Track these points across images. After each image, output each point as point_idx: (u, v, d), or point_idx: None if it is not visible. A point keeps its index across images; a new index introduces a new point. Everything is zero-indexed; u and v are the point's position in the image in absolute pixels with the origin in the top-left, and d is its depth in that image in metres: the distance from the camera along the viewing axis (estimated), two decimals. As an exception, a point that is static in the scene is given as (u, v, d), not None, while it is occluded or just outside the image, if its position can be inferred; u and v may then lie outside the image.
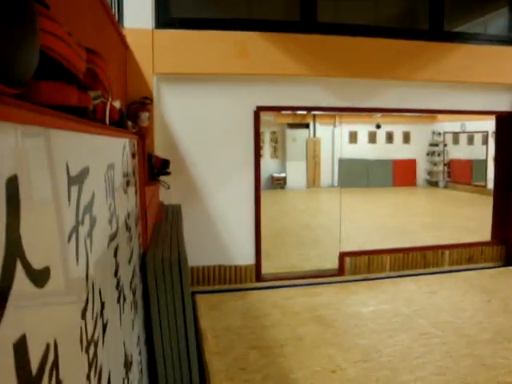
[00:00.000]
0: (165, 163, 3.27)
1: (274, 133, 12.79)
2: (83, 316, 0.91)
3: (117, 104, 1.50)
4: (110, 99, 1.36)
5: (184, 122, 4.00)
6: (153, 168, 2.76)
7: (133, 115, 3.39)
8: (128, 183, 1.81)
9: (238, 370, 2.77)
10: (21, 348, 0.57)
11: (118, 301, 1.40)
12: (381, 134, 13.07)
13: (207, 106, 4.04)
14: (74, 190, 0.90)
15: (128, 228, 1.75)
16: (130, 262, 1.75)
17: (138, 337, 1.92)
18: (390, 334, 3.19)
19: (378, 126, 12.67)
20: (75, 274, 0.88)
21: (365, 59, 4.06)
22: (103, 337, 1.11)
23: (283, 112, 10.01)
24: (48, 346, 0.68)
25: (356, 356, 2.89)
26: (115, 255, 1.38)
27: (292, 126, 12.65)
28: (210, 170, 4.10)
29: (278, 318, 3.57)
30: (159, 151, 3.67)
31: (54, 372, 0.70)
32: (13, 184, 0.56)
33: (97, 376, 1.01)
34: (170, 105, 3.95)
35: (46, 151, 0.75)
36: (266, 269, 4.46)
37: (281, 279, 4.42)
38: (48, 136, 0.76)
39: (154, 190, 2.93)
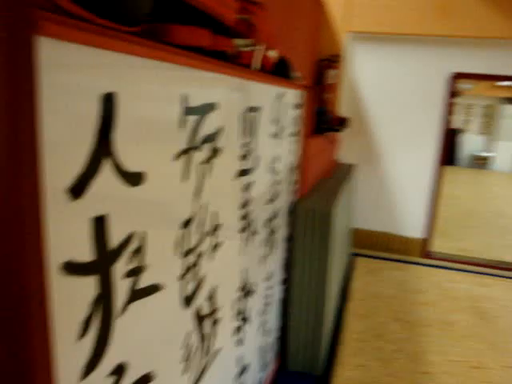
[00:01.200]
0: (342, 121, 3.30)
1: (484, 107, 11.31)
2: (185, 225, 1.08)
3: (272, 54, 1.60)
4: (262, 48, 1.47)
5: (371, 82, 3.91)
6: (325, 122, 2.82)
7: (320, 72, 3.48)
8: (282, 130, 1.93)
9: (373, 335, 2.77)
10: (100, 225, 0.75)
11: (243, 231, 1.56)
12: None
13: (397, 68, 3.85)
14: (191, 118, 1.05)
15: (274, 171, 1.89)
16: (270, 202, 1.90)
17: (272, 274, 2.09)
18: None
19: None
20: (178, 187, 1.04)
21: None
22: (212, 254, 1.29)
23: (497, 83, 8.74)
24: (131, 234, 0.85)
25: (509, 361, 2.57)
26: (245, 190, 1.53)
27: (510, 100, 10.98)
28: (391, 134, 3.97)
29: (434, 298, 3.37)
30: (342, 109, 3.70)
31: (137, 256, 0.88)
32: (111, 98, 0.73)
33: (195, 282, 1.19)
34: (359, 64, 3.90)
35: (161, 82, 0.91)
36: (437, 247, 4.18)
37: (450, 261, 4.10)
38: (165, 68, 0.91)
39: (326, 145, 3.01)
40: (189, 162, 1.06)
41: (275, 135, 1.85)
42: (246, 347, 1.78)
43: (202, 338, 1.30)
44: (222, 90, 1.24)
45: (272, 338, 2.34)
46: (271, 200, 1.91)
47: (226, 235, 1.39)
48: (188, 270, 1.14)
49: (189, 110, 1.03)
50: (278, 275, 2.28)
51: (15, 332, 0.62)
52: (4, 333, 0.62)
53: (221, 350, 1.47)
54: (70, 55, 0.64)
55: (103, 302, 0.78)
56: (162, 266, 0.99)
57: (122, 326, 0.85)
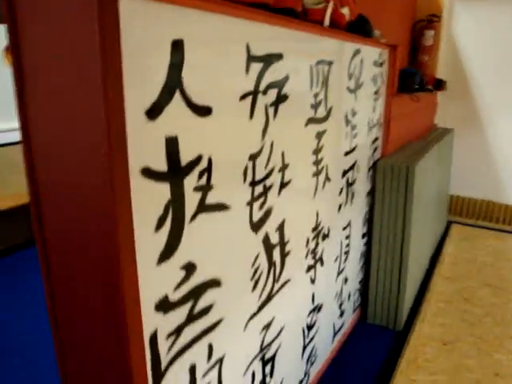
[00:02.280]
0: (438, 82, 3.20)
1: None
2: (251, 158, 1.26)
3: (344, 11, 1.69)
4: (331, 6, 1.58)
5: (473, 42, 3.69)
6: (416, 83, 2.79)
7: (418, 33, 3.40)
8: (359, 86, 2.01)
9: (461, 298, 2.74)
10: (172, 143, 0.96)
11: (315, 176, 1.70)
12: None
13: (502, 28, 3.57)
14: (256, 65, 1.22)
15: (351, 124, 1.99)
16: (347, 154, 2.01)
17: (350, 224, 2.20)
18: None
19: None
20: (243, 123, 1.21)
21: None
22: (280, 188, 1.45)
23: None
24: (200, 156, 1.06)
25: None
26: (317, 137, 1.66)
27: None
28: (495, 96, 3.72)
29: (536, 269, 3.18)
30: (441, 71, 3.57)
31: (206, 175, 1.08)
32: (180, 44, 0.92)
33: (262, 211, 1.37)
34: (460, 24, 3.69)
35: (227, 32, 1.09)
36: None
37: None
38: (230, 22, 1.08)
39: (415, 106, 2.97)
40: (254, 103, 1.23)
41: (352, 90, 1.94)
42: (318, 287, 1.93)
43: (271, 264, 1.49)
44: (288, 43, 1.38)
45: (352, 288, 2.46)
46: (348, 152, 2.02)
47: (296, 175, 1.54)
48: (255, 198, 1.32)
49: (253, 58, 1.20)
50: (359, 227, 2.38)
51: (106, 217, 0.85)
52: (97, 213, 0.86)
53: (290, 281, 1.64)
54: (147, 9, 0.84)
55: (175, 206, 1.00)
56: (229, 188, 1.18)
57: (192, 231, 1.06)
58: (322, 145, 1.72)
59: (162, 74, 0.91)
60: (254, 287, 1.41)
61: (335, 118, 1.80)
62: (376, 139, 2.40)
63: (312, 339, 1.97)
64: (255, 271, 1.40)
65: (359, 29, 1.90)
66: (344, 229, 2.14)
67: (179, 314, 1.08)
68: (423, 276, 3.08)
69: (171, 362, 1.09)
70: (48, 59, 0.83)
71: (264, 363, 1.58)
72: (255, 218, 1.35)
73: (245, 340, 1.41)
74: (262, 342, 1.53)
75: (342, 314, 2.33)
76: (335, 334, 2.28)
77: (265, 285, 1.47)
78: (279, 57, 1.33)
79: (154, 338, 1.01)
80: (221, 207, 1.17)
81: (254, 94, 1.23)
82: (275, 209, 1.45)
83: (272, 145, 1.37)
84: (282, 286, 1.60)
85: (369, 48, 2.04)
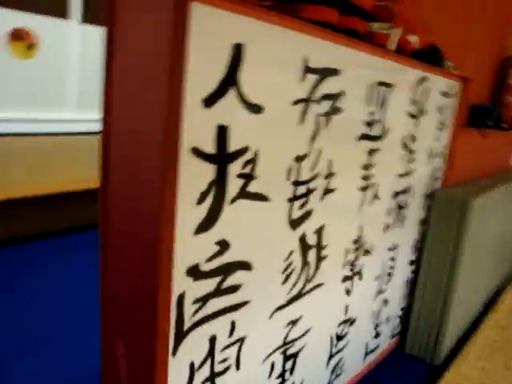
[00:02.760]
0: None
1: None
2: (297, 160, 1.38)
3: (412, 39, 1.77)
4: (398, 32, 1.68)
5: None
6: (492, 120, 2.75)
7: (504, 71, 3.34)
8: (422, 113, 2.06)
9: (510, 347, 2.61)
10: (222, 131, 1.11)
11: (362, 190, 1.78)
12: None
13: None
14: (312, 77, 1.35)
15: (409, 149, 2.04)
16: (401, 177, 2.05)
17: (397, 248, 2.22)
18: None
19: None
20: (293, 127, 1.34)
21: None
22: (323, 194, 1.56)
23: None
24: (246, 147, 1.20)
25: None
26: (369, 154, 1.75)
27: None
28: None
29: None
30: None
31: (250, 165, 1.22)
32: (239, 48, 1.08)
33: (302, 211, 1.48)
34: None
35: (285, 42, 1.23)
36: None
37: None
38: (288, 34, 1.23)
39: (488, 142, 2.90)
40: (306, 110, 1.36)
41: (413, 116, 2.00)
42: (354, 301, 1.98)
43: (305, 263, 1.58)
44: (347, 61, 1.49)
45: (392, 313, 2.45)
46: (403, 175, 2.06)
47: (342, 185, 1.63)
48: (296, 197, 1.44)
49: (309, 69, 1.33)
50: (407, 253, 2.39)
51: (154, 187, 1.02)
52: (148, 179, 1.03)
53: (323, 285, 1.72)
54: (214, 14, 1.01)
55: (218, 186, 1.14)
56: (271, 182, 1.31)
57: (230, 213, 1.20)
58: (374, 162, 1.79)
59: (221, 71, 1.07)
60: (285, 281, 1.51)
61: (391, 140, 1.87)
62: (437, 169, 2.41)
63: (340, 351, 2.02)
64: (288, 266, 1.50)
65: (429, 58, 1.96)
66: (390, 250, 2.17)
67: (208, 285, 1.22)
68: (473, 318, 2.96)
69: (193, 327, 1.23)
70: (134, 57, 1.03)
71: (285, 358, 1.66)
72: (294, 216, 1.46)
73: (269, 329, 1.51)
74: (286, 336, 1.62)
75: (377, 336, 2.34)
76: (367, 353, 2.29)
77: (296, 281, 1.56)
78: (336, 72, 1.44)
79: (181, 299, 1.16)
80: (261, 197, 1.30)
81: (307, 102, 1.35)
82: (316, 212, 1.55)
83: (320, 152, 1.48)
84: (314, 287, 1.68)
85: (437, 77, 2.09)
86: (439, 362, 2.46)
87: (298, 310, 1.63)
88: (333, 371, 2.02)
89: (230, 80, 1.09)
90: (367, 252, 1.96)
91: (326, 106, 1.44)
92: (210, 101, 1.06)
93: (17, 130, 3.67)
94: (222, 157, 1.14)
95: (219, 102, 1.08)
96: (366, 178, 1.78)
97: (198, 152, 1.07)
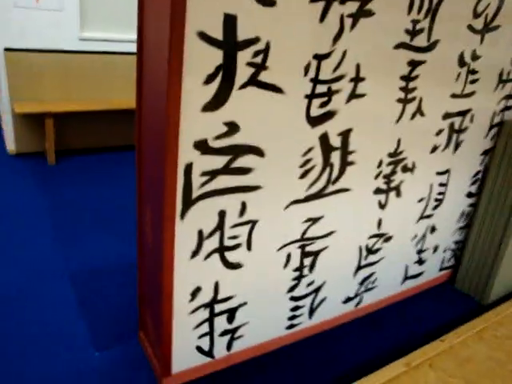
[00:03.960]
0: None
1: None
2: (316, 57, 1.46)
3: None
4: None
5: None
6: None
7: None
8: (491, 29, 1.94)
9: None
10: (231, 19, 1.25)
11: (400, 102, 1.78)
12: None
13: None
14: None
15: (469, 69, 1.96)
16: (456, 97, 1.99)
17: (447, 171, 2.18)
18: None
19: None
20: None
21: None
22: (349, 98, 1.62)
23: None
24: (259, 38, 1.32)
25: None
26: (410, 65, 1.74)
27: None
28: None
29: None
30: None
31: (262, 55, 1.35)
32: None
33: (322, 108, 1.57)
34: None
35: None
36: None
37: None
38: None
39: None
40: (327, 9, 1.42)
41: (477, 31, 1.89)
42: (389, 216, 2.04)
43: (327, 163, 1.68)
44: None
45: (441, 242, 2.43)
46: (458, 95, 1.99)
47: (374, 92, 1.67)
48: (316, 95, 1.53)
49: None
50: (463, 183, 2.32)
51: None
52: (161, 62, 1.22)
53: (350, 190, 1.81)
54: None
55: (226, 71, 1.30)
56: (286, 76, 1.43)
57: (240, 97, 1.36)
58: (417, 74, 1.78)
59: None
60: (303, 176, 1.64)
61: (442, 54, 1.82)
62: (510, 96, 2.25)
63: (372, 264, 2.11)
64: (306, 161, 1.62)
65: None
66: (438, 174, 2.14)
67: (216, 162, 1.41)
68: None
69: (202, 197, 1.44)
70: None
71: (304, 254, 1.82)
72: (313, 113, 1.56)
73: (284, 219, 1.67)
74: (305, 232, 1.77)
75: (420, 262, 2.36)
76: (406, 277, 2.34)
77: (316, 179, 1.68)
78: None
79: (188, 168, 1.37)
80: (274, 88, 1.43)
81: (328, 0, 1.41)
82: (340, 114, 1.63)
83: (344, 54, 1.53)
84: (339, 191, 1.78)
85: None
86: (487, 301, 2.41)
87: (318, 209, 1.76)
88: (362, 283, 2.12)
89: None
90: (407, 169, 1.98)
91: (352, 6, 1.47)
92: None
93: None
94: (230, 44, 1.28)
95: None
96: (405, 89, 1.78)
97: (204, 36, 1.23)
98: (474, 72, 2.00)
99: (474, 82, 2.03)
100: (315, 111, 1.56)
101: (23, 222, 2.87)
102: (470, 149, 2.22)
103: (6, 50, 3.65)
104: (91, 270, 2.44)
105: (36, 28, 3.71)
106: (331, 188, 1.75)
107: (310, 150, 1.61)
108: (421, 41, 1.73)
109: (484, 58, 2.00)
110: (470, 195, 2.40)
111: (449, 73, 1.92)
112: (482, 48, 1.97)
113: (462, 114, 2.07)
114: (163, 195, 1.38)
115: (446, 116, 2.00)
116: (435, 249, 2.41)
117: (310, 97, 1.53)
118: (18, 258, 2.48)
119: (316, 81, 1.51)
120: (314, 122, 1.58)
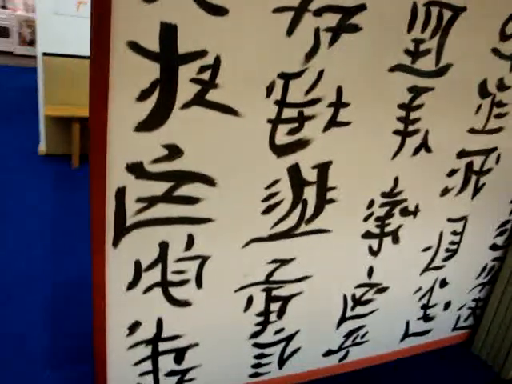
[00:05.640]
0: None
1: None
2: (282, 76, 1.29)
3: None
4: None
5: None
6: None
7: None
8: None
9: None
10: (169, 29, 1.11)
11: (398, 134, 1.56)
12: None
13: None
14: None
15: (494, 100, 1.68)
16: (475, 133, 1.71)
17: (463, 219, 1.88)
18: None
19: None
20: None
21: None
22: (328, 125, 1.42)
23: None
24: (206, 51, 1.17)
25: None
26: (411, 92, 1.51)
27: None
28: None
29: None
30: None
31: (210, 71, 1.19)
32: None
33: (291, 135, 1.38)
34: None
35: None
36: None
37: None
38: None
39: None
40: (296, 21, 1.24)
41: (505, 56, 1.61)
42: (383, 264, 1.80)
43: (299, 200, 1.49)
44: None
45: (455, 299, 2.13)
46: (478, 131, 1.72)
47: (358, 121, 1.46)
48: (282, 120, 1.34)
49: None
50: (486, 233, 2.02)
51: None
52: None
53: (330, 232, 1.59)
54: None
55: (164, 87, 1.16)
56: (241, 96, 1.27)
57: (183, 118, 1.22)
58: (421, 103, 1.54)
59: None
60: (267, 212, 1.46)
61: (456, 80, 1.57)
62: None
63: (360, 317, 1.86)
64: (271, 195, 1.45)
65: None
66: (451, 221, 1.86)
67: (154, 188, 1.28)
68: None
69: (139, 225, 1.31)
70: None
71: (270, 298, 1.62)
72: (279, 141, 1.37)
73: (243, 257, 1.50)
74: (270, 274, 1.58)
75: (427, 319, 2.06)
76: (408, 334, 2.05)
77: (285, 216, 1.50)
78: None
79: (120, 192, 1.24)
80: (226, 109, 1.26)
81: (298, 10, 1.23)
82: (316, 144, 1.44)
83: (321, 74, 1.35)
84: (315, 231, 1.58)
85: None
86: (508, 376, 2.05)
87: (288, 250, 1.57)
88: (347, 336, 1.88)
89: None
90: (408, 212, 1.73)
91: (331, 19, 1.28)
92: (150, -4, 1.06)
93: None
94: (168, 56, 1.14)
95: (163, 0, 1.07)
96: (405, 120, 1.54)
97: (136, 47, 1.10)
98: (500, 104, 1.71)
99: (500, 116, 1.74)
100: (282, 139, 1.38)
101: (30, 223, 2.90)
102: (494, 194, 1.91)
103: (44, 54, 3.77)
104: (78, 283, 2.38)
105: (75, 35, 3.78)
106: (305, 228, 1.55)
107: (275, 182, 1.43)
108: (426, 64, 1.49)
109: (514, 88, 1.71)
110: (494, 247, 2.08)
111: (466, 104, 1.66)
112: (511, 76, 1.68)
113: (485, 152, 1.78)
114: (92, 218, 1.26)
115: (463, 154, 1.73)
116: (447, 305, 2.10)
117: (275, 122, 1.34)
118: (12, 259, 2.49)
119: (282, 104, 1.33)
120: (280, 151, 1.39)
